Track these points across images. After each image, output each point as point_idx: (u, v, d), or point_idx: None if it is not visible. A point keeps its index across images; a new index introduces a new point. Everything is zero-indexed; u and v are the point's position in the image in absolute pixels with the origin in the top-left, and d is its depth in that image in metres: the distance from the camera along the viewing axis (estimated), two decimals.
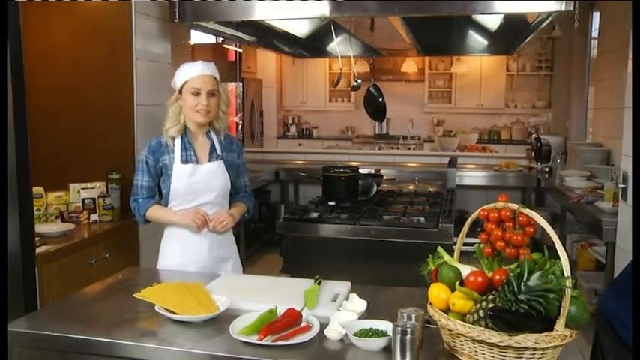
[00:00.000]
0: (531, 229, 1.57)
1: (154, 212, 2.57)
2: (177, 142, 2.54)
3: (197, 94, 2.48)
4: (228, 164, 2.61)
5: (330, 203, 3.69)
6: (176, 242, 2.59)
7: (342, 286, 2.11)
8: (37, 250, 2.74)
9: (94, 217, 3.46)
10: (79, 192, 3.46)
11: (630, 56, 2.83)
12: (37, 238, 2.78)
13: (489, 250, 1.65)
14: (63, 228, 3.19)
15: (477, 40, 5.31)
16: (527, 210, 1.55)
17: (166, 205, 2.58)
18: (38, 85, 3.01)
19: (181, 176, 2.51)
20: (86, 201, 3.45)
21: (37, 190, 3.14)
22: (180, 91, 2.52)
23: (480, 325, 1.45)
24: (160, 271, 2.56)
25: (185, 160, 2.53)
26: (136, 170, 2.57)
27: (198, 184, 2.53)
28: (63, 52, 3.66)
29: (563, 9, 3.05)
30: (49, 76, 3.57)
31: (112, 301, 2.11)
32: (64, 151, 3.61)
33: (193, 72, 2.50)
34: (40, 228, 3.00)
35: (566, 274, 1.39)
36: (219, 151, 2.60)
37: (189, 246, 2.56)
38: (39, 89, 3.18)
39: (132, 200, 2.59)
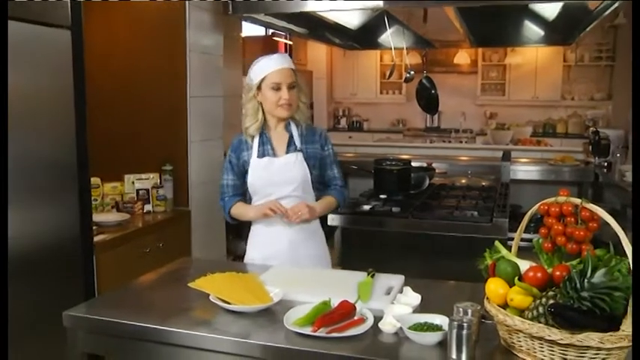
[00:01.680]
0: (594, 225, 1.52)
1: (236, 209, 2.57)
2: (256, 138, 2.54)
3: (278, 88, 2.45)
4: (309, 156, 2.54)
5: (382, 196, 3.67)
6: (259, 237, 2.59)
7: (396, 280, 2.10)
8: (95, 239, 2.83)
9: (147, 207, 3.55)
10: (133, 183, 3.55)
11: None
12: (94, 227, 2.87)
13: (549, 245, 1.61)
14: (118, 218, 3.28)
15: (532, 30, 5.17)
16: (591, 205, 1.50)
17: (250, 202, 2.59)
18: (95, 78, 3.09)
19: (257, 170, 2.51)
20: (140, 191, 3.54)
21: (95, 180, 3.23)
22: (259, 87, 2.48)
23: (540, 322, 1.41)
24: (212, 261, 2.61)
25: (262, 154, 2.52)
26: (223, 169, 2.60)
27: (273, 177, 2.50)
28: (118, 45, 3.74)
29: None
30: (105, 69, 3.65)
31: (166, 291, 2.16)
32: (120, 142, 3.70)
33: (271, 66, 2.46)
34: (96, 217, 3.08)
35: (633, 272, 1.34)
36: (297, 143, 2.53)
37: (271, 241, 2.55)
38: (96, 83, 3.26)
39: (219, 199, 2.61)
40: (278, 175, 2.50)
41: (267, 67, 2.46)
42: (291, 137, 2.55)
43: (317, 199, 2.59)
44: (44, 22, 2.43)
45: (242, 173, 2.56)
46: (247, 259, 2.63)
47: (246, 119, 2.53)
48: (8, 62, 2.19)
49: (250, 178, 2.52)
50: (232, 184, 2.57)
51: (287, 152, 2.53)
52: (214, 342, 1.70)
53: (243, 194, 2.59)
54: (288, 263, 2.48)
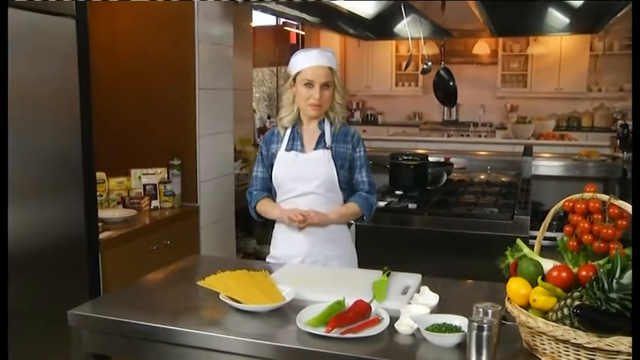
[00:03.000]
0: (624, 223, 1.50)
1: (262, 205, 2.60)
2: (288, 131, 2.56)
3: (310, 86, 2.45)
4: (338, 155, 2.52)
5: (398, 192, 3.67)
6: (281, 236, 2.60)
7: (413, 279, 2.09)
8: (100, 236, 2.83)
9: (154, 203, 3.55)
10: (140, 178, 3.55)
11: None
12: (99, 224, 2.88)
13: (575, 243, 1.59)
14: (124, 214, 3.29)
15: (557, 18, 5.12)
16: (620, 201, 1.48)
17: (275, 195, 2.61)
18: (101, 70, 3.11)
19: (282, 163, 2.52)
20: (147, 187, 3.55)
21: (100, 175, 3.23)
22: (294, 80, 2.50)
23: (564, 324, 1.40)
24: (222, 259, 2.61)
25: (290, 148, 2.53)
26: (255, 161, 2.65)
27: (297, 172, 2.50)
28: (125, 37, 3.75)
29: None
30: (111, 61, 3.67)
31: (175, 289, 2.16)
32: (126, 135, 3.71)
33: (307, 62, 2.45)
34: (102, 214, 3.08)
35: None
36: (328, 141, 2.52)
37: (291, 241, 2.55)
38: (101, 74, 3.29)
39: (247, 191, 2.65)
40: (302, 171, 2.50)
41: (303, 63, 2.46)
42: (322, 135, 2.54)
43: (345, 202, 2.58)
44: (48, 10, 2.43)
45: (271, 166, 2.58)
46: (269, 258, 2.64)
47: (282, 110, 2.57)
48: (11, 52, 2.20)
49: (275, 172, 2.54)
50: (261, 176, 2.61)
51: (315, 149, 2.52)
52: (225, 342, 1.70)
53: (271, 188, 2.61)
54: (308, 264, 2.49)
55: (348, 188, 2.58)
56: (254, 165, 2.66)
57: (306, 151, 2.53)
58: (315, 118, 2.53)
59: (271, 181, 2.58)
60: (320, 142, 2.53)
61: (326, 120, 2.55)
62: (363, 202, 2.55)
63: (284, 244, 2.58)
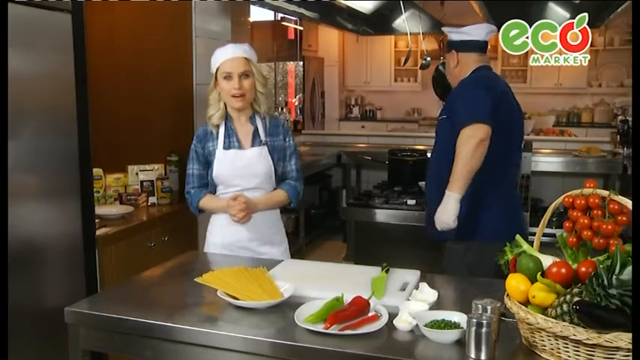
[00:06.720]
0: (624, 219, 1.50)
1: (206, 202, 2.67)
2: (221, 129, 2.63)
3: (229, 78, 2.53)
4: (274, 149, 2.65)
5: (396, 188, 3.67)
6: (219, 224, 2.68)
7: (411, 275, 2.09)
8: (97, 233, 2.83)
9: (152, 199, 3.54)
10: (137, 174, 3.54)
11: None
12: (96, 221, 2.87)
13: (574, 239, 1.59)
14: (122, 210, 3.29)
15: (557, 12, 5.13)
16: (621, 197, 1.48)
17: (214, 192, 2.67)
18: (98, 65, 3.09)
19: (223, 162, 2.60)
20: (144, 183, 3.54)
21: (97, 171, 3.22)
22: (215, 78, 2.59)
23: (564, 321, 1.40)
24: (220, 255, 2.61)
25: (228, 146, 2.61)
26: (188, 159, 2.70)
27: (240, 169, 2.60)
28: (122, 32, 3.74)
29: None
30: (108, 56, 3.65)
31: (172, 286, 2.17)
32: (123, 131, 3.70)
33: (223, 56, 2.56)
34: (99, 210, 3.08)
35: None
36: (262, 136, 2.64)
37: (230, 228, 2.64)
38: (99, 70, 3.27)
39: (185, 191, 2.72)
40: (244, 169, 2.60)
41: (220, 57, 2.57)
42: (256, 130, 2.64)
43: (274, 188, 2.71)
44: (44, 5, 2.42)
45: (207, 163, 2.66)
46: (207, 245, 2.72)
47: (209, 109, 2.65)
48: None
49: (216, 170, 2.62)
50: (198, 173, 2.68)
51: (252, 145, 2.62)
52: (222, 339, 1.70)
53: (207, 184, 2.69)
54: (248, 250, 2.63)
55: (279, 177, 2.71)
56: (188, 163, 2.70)
57: (244, 147, 2.62)
58: (241, 109, 2.61)
59: (207, 177, 2.66)
60: (256, 138, 2.63)
61: (256, 115, 2.65)
62: (291, 190, 2.70)
63: (225, 232, 2.65)
